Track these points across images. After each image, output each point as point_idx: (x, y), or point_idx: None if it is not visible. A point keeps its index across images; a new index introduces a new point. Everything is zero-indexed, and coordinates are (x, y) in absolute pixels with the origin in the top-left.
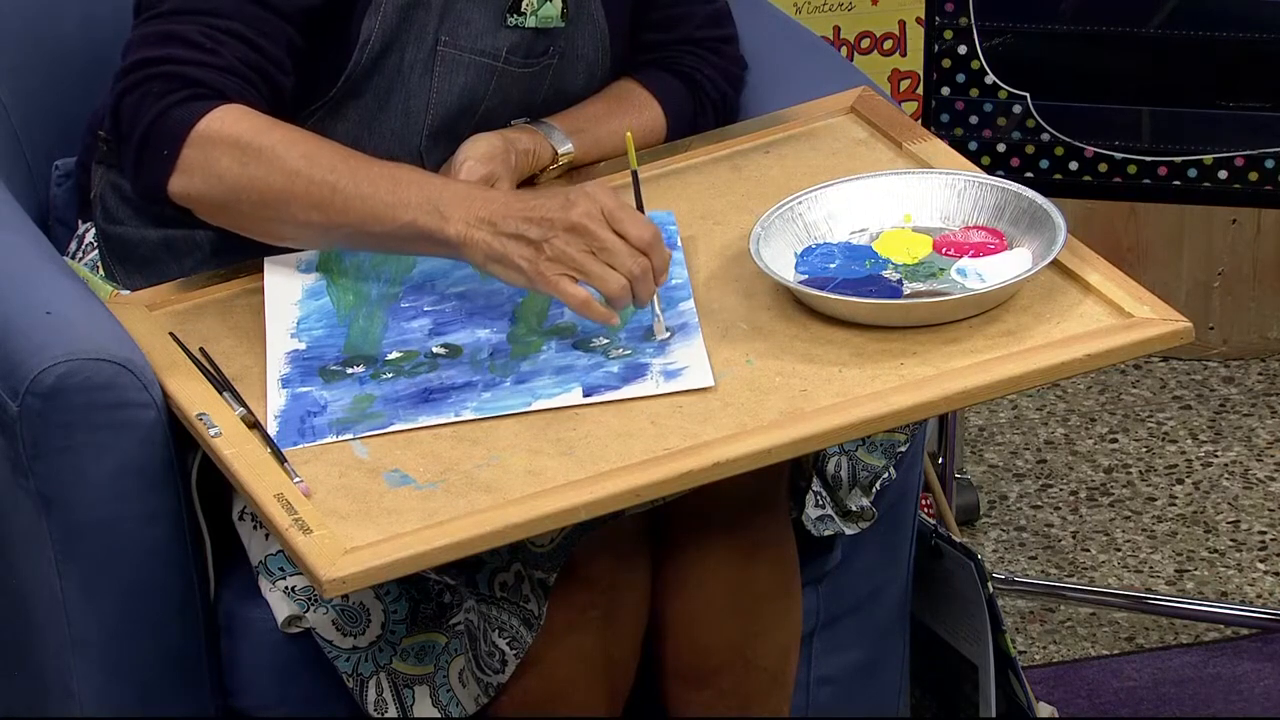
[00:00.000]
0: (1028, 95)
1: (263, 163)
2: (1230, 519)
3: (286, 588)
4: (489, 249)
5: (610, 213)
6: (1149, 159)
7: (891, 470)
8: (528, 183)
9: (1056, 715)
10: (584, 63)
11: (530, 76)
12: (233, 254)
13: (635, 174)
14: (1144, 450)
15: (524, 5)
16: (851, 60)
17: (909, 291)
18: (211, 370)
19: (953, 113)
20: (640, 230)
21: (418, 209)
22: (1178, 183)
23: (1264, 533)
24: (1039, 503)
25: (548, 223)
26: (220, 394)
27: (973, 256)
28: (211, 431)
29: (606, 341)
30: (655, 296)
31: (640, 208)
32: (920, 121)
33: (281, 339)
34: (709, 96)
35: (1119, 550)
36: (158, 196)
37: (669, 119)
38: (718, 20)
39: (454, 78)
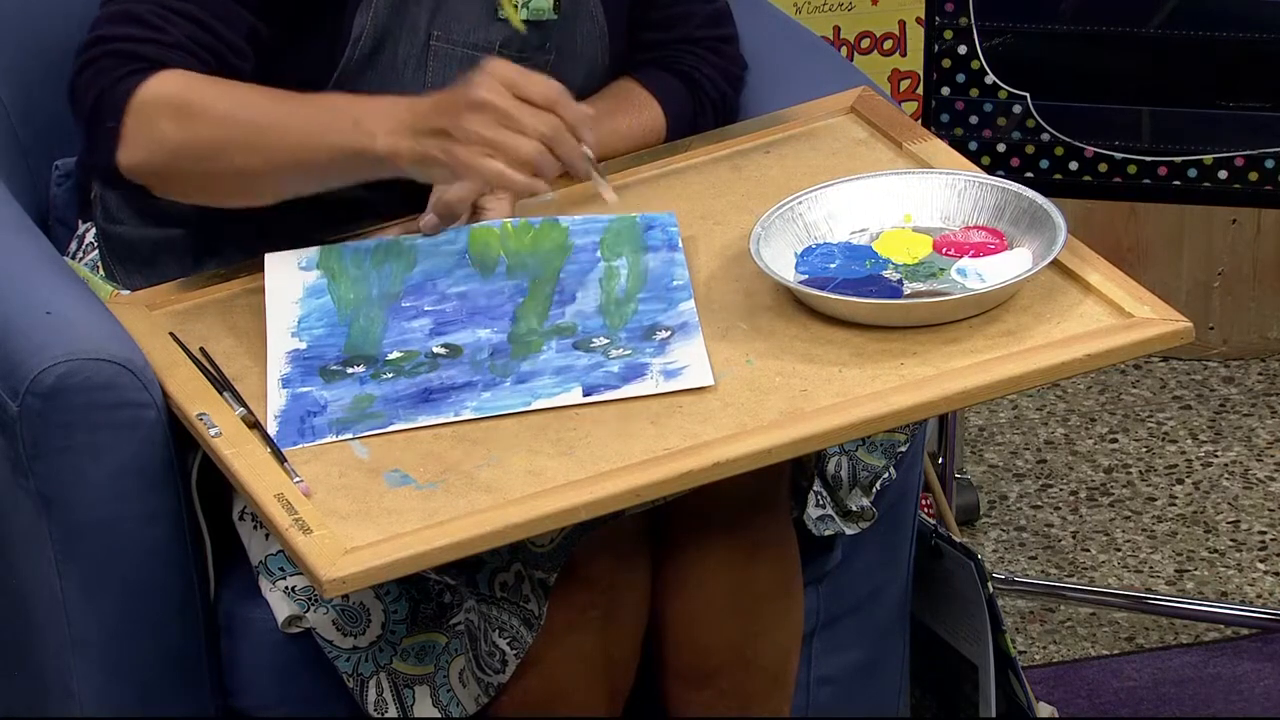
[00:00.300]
0: (1028, 95)
1: (196, 117)
2: (1230, 519)
3: (286, 588)
4: (411, 153)
5: (510, 81)
6: (1149, 159)
7: (891, 470)
8: None
9: (1056, 715)
10: (584, 62)
11: None
12: (232, 254)
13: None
14: (1144, 450)
15: None
16: (851, 60)
17: (909, 291)
18: (211, 370)
19: (953, 113)
20: (542, 88)
21: (343, 131)
22: (1178, 183)
23: (1264, 533)
24: (1039, 503)
25: (453, 107)
26: (220, 394)
27: (973, 256)
28: (211, 431)
29: (606, 341)
30: (590, 161)
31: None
32: (920, 121)
33: (282, 338)
34: (709, 96)
35: (1119, 550)
36: (111, 175)
37: (669, 119)
38: (718, 20)
39: (448, 72)
